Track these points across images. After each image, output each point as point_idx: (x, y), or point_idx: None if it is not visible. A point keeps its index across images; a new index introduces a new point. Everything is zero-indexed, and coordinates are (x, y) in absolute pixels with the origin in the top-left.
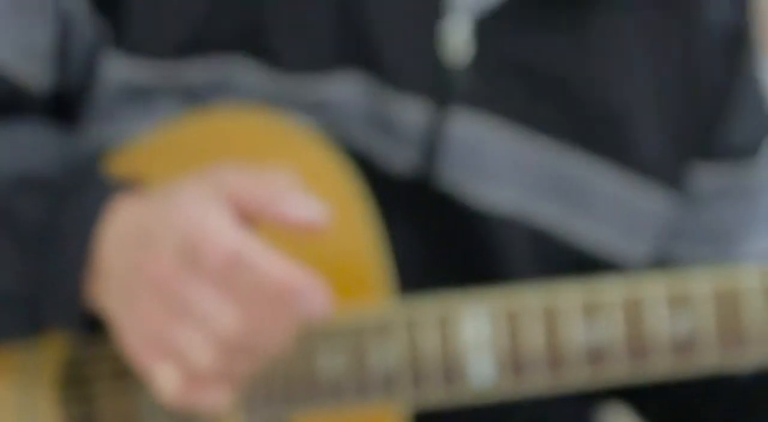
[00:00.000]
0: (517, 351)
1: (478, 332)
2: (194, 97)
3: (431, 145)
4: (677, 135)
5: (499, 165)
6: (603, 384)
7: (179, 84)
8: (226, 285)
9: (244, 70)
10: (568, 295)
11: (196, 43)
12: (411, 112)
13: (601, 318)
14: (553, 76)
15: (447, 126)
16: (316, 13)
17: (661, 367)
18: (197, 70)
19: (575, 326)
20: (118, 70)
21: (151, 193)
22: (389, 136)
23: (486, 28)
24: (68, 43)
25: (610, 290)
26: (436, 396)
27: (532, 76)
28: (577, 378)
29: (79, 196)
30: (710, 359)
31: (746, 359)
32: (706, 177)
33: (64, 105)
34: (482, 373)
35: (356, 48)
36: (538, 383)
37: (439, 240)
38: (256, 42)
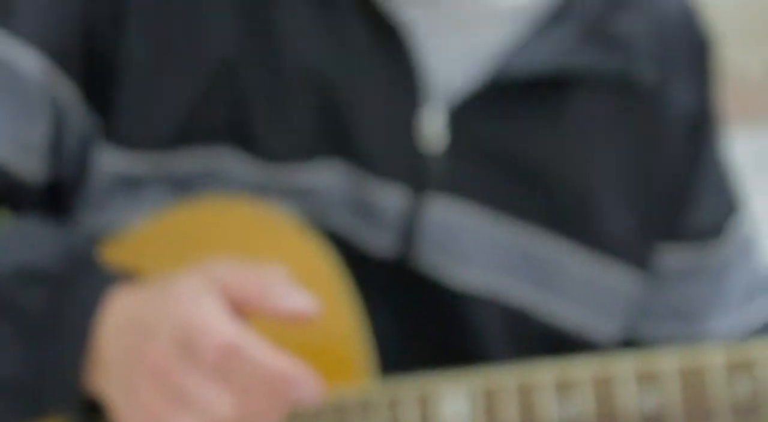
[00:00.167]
0: None
1: (457, 410)
2: (183, 186)
3: (409, 230)
4: (643, 218)
5: (474, 247)
6: None
7: (168, 173)
8: (223, 374)
9: (231, 160)
10: (542, 373)
11: (184, 135)
12: (390, 198)
13: (573, 394)
14: (524, 162)
15: (424, 211)
16: (298, 106)
17: None
18: (185, 161)
19: (549, 403)
20: (110, 162)
21: (148, 284)
22: (369, 221)
23: (459, 116)
24: (62, 137)
25: (581, 368)
26: None
27: (505, 162)
28: None
29: (78, 287)
30: None
31: None
32: (672, 257)
33: (57, 196)
34: None
35: (337, 138)
36: None
37: (417, 319)
38: (242, 133)
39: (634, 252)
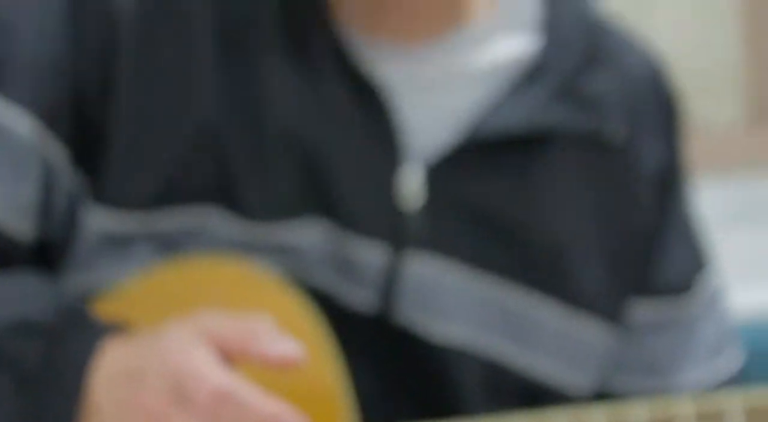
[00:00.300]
0: None
1: None
2: (169, 244)
3: (389, 286)
4: (614, 273)
5: (452, 303)
6: None
7: (154, 232)
8: (216, 419)
9: (215, 219)
10: None
11: (169, 195)
12: (370, 255)
13: None
14: (500, 219)
15: (403, 267)
16: (280, 165)
17: None
18: (171, 220)
19: None
20: (97, 220)
21: (138, 336)
22: (350, 277)
23: (437, 174)
24: (51, 197)
25: (556, 419)
26: None
27: (481, 219)
28: None
29: (71, 339)
30: None
31: None
32: (643, 311)
33: (45, 256)
34: None
35: (318, 197)
36: None
37: (398, 372)
38: (225, 193)
39: (607, 307)
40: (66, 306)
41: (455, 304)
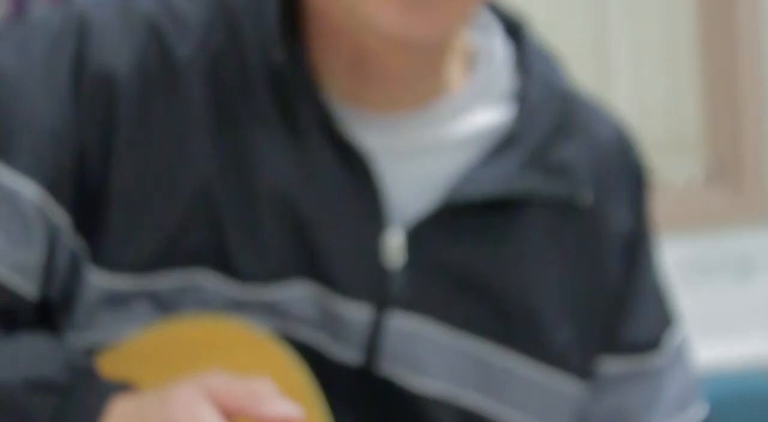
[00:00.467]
0: None
1: None
2: (165, 302)
3: (372, 341)
4: (585, 331)
5: (431, 357)
6: None
7: (151, 291)
8: None
9: (209, 280)
10: None
11: (166, 258)
12: (355, 313)
13: None
14: (476, 279)
15: (386, 324)
16: (270, 229)
17: None
18: (167, 280)
19: None
20: (96, 281)
21: (145, 393)
22: (336, 333)
23: (417, 237)
24: (54, 259)
25: None
26: None
27: (458, 279)
28: None
29: (81, 395)
30: None
31: None
32: (612, 365)
33: (47, 317)
34: None
35: (306, 259)
36: None
37: (380, 420)
38: (219, 256)
39: (577, 362)
40: (76, 364)
41: (434, 359)
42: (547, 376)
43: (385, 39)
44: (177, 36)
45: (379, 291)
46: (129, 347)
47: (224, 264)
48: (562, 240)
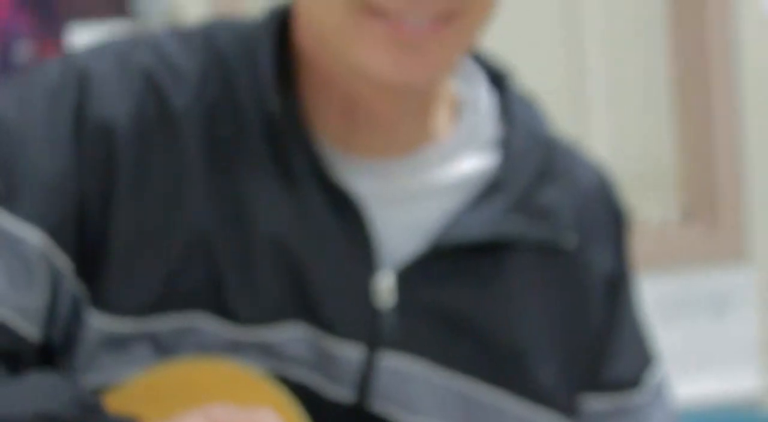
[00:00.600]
0: None
1: None
2: (164, 345)
3: (364, 380)
4: (569, 370)
5: (421, 395)
6: None
7: (151, 334)
8: None
9: (206, 323)
10: None
11: (163, 303)
12: (347, 353)
13: None
14: (463, 319)
15: (377, 363)
16: (265, 273)
17: None
18: (165, 323)
19: None
20: (96, 324)
21: None
22: (329, 372)
23: (406, 279)
24: (56, 303)
25: None
26: None
27: (447, 319)
28: None
29: None
30: None
31: None
32: (595, 402)
33: (48, 360)
34: None
35: (300, 301)
36: None
37: None
38: (215, 299)
39: (563, 400)
40: (84, 400)
41: (425, 397)
42: (535, 413)
43: (375, 83)
44: (173, 87)
45: (371, 331)
46: (130, 388)
47: (221, 306)
48: (546, 282)
